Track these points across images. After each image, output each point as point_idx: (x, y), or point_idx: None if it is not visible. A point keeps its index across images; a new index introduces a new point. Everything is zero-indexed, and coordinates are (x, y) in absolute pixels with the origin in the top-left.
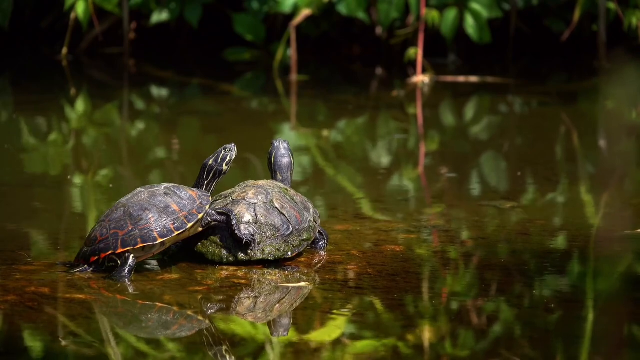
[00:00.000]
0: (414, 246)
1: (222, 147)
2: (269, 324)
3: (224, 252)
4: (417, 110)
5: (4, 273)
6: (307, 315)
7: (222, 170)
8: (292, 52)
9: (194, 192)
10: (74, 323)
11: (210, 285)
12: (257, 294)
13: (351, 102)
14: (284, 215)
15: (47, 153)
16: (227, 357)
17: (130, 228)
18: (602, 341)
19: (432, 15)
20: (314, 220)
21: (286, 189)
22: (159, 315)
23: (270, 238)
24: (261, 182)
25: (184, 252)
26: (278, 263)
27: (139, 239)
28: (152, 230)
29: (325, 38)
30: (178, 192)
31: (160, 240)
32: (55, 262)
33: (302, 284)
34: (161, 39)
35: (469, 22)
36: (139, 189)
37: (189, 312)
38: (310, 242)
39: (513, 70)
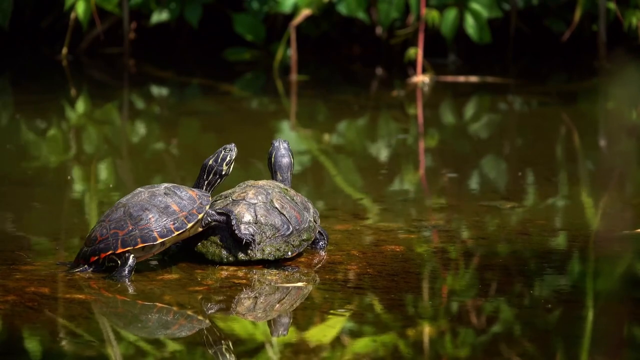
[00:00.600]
0: (414, 246)
1: (222, 147)
2: (268, 323)
3: (224, 252)
4: (417, 110)
5: (4, 273)
6: (307, 315)
7: (222, 170)
8: (292, 52)
9: (194, 192)
10: (74, 323)
11: (210, 285)
12: (257, 294)
13: (352, 102)
14: (284, 215)
15: (47, 153)
16: (227, 357)
17: (130, 228)
18: (602, 341)
19: (432, 15)
20: (314, 220)
21: (286, 189)
22: (159, 315)
23: (270, 238)
24: (261, 182)
25: (184, 252)
26: (278, 263)
27: (139, 239)
28: (152, 230)
29: (325, 38)
30: (178, 192)
31: (160, 240)
32: (55, 262)
33: (300, 284)
34: (161, 39)
35: (469, 22)
36: (139, 189)
37: (189, 312)
38: (310, 242)
39: (513, 70)
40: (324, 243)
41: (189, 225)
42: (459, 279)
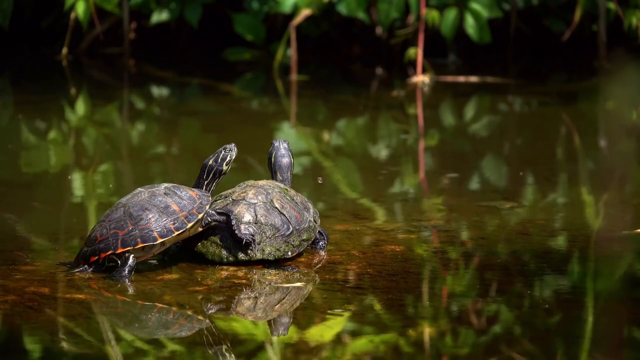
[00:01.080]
0: (414, 246)
1: (222, 147)
2: (268, 323)
3: (224, 252)
4: (417, 110)
5: (4, 273)
6: (307, 315)
7: (222, 170)
8: (292, 52)
9: (194, 192)
10: (74, 323)
11: (210, 285)
12: (257, 294)
13: (352, 102)
14: (284, 215)
15: (47, 153)
16: (227, 357)
17: (130, 228)
18: (602, 341)
19: (432, 15)
20: (314, 220)
21: (286, 189)
22: (159, 315)
23: (270, 238)
24: (261, 182)
25: (184, 252)
26: (278, 263)
27: (139, 239)
28: (152, 230)
29: (325, 38)
30: (178, 192)
31: (160, 240)
32: (55, 262)
33: (300, 284)
34: (161, 39)
35: (469, 22)
36: (139, 189)
37: (189, 312)
38: (310, 242)
39: (513, 70)
40: (324, 243)
41: (189, 225)
42: (459, 279)
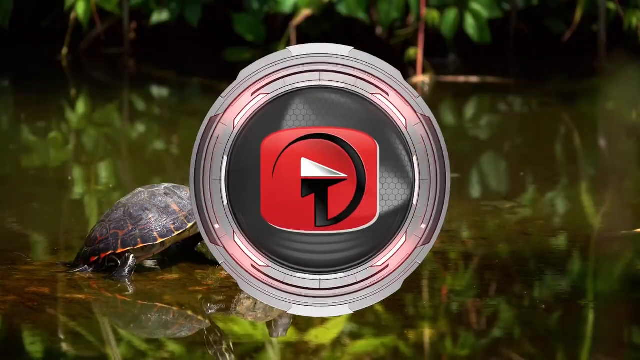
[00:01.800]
0: None
1: None
2: (268, 324)
3: None
4: None
5: (4, 273)
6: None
7: None
8: None
9: None
10: (74, 323)
11: (210, 285)
12: None
13: None
14: None
15: (47, 153)
16: (227, 357)
17: (130, 228)
18: (602, 341)
19: (432, 15)
20: None
21: None
22: (159, 315)
23: None
24: None
25: (184, 252)
26: None
27: (139, 239)
28: (152, 230)
29: (325, 38)
30: (178, 192)
31: (160, 240)
32: (55, 262)
33: None
34: (161, 39)
35: (469, 22)
36: (139, 189)
37: (189, 312)
38: None
39: (513, 70)
40: None
41: (189, 225)
42: (459, 279)
